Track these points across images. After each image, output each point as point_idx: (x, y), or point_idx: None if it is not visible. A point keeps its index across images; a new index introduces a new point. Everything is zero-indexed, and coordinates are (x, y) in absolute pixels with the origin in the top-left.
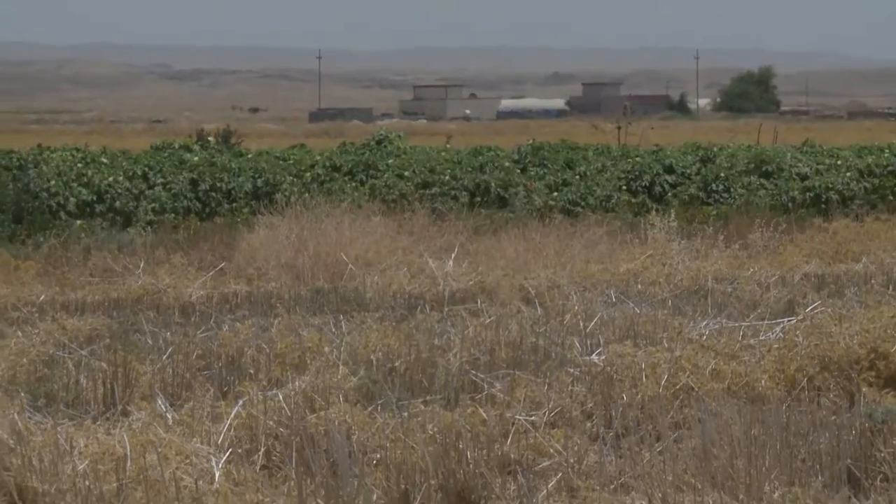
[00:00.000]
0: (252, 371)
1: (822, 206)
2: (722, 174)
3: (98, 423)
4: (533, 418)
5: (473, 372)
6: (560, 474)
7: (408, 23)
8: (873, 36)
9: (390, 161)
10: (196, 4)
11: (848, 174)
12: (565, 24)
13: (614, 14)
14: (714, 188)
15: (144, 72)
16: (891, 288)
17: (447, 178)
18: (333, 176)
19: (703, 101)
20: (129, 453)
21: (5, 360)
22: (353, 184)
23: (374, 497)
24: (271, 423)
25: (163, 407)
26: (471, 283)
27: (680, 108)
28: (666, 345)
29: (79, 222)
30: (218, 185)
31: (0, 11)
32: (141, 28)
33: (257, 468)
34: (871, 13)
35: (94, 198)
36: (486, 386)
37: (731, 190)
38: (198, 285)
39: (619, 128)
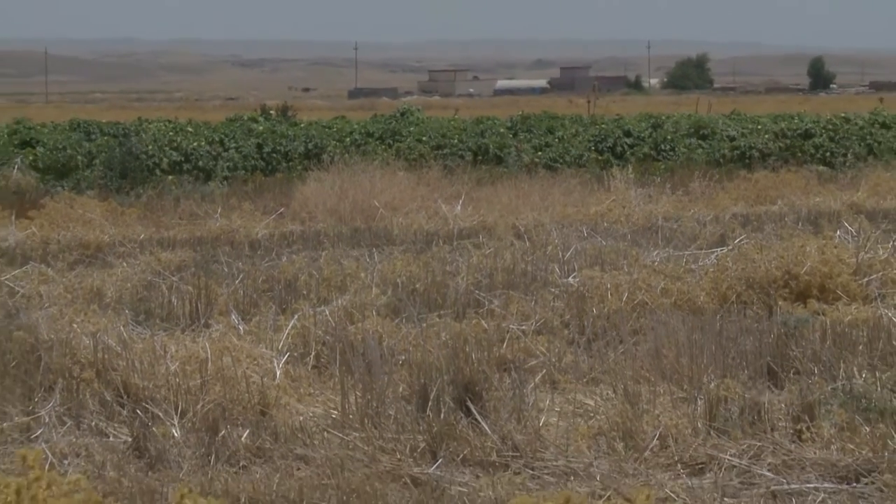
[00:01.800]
0: (305, 292)
1: (747, 161)
2: (668, 137)
3: (185, 333)
4: (523, 327)
5: (477, 292)
6: (544, 370)
7: (425, 21)
8: (785, 27)
9: (411, 129)
10: (261, 8)
11: (766, 136)
12: (547, 21)
13: (586, 13)
14: (662, 148)
15: (220, 60)
16: (800, 224)
17: (455, 141)
18: (367, 140)
19: (654, 81)
20: (209, 356)
21: (113, 285)
22: (383, 146)
23: (400, 389)
24: (320, 332)
25: (235, 320)
26: (474, 222)
27: (635, 86)
28: (626, 269)
29: (170, 178)
30: (278, 148)
31: (111, 14)
32: (217, 26)
33: (309, 368)
34: (784, 8)
35: (182, 158)
36: (486, 302)
37: (676, 149)
38: (262, 226)
39: (588, 102)
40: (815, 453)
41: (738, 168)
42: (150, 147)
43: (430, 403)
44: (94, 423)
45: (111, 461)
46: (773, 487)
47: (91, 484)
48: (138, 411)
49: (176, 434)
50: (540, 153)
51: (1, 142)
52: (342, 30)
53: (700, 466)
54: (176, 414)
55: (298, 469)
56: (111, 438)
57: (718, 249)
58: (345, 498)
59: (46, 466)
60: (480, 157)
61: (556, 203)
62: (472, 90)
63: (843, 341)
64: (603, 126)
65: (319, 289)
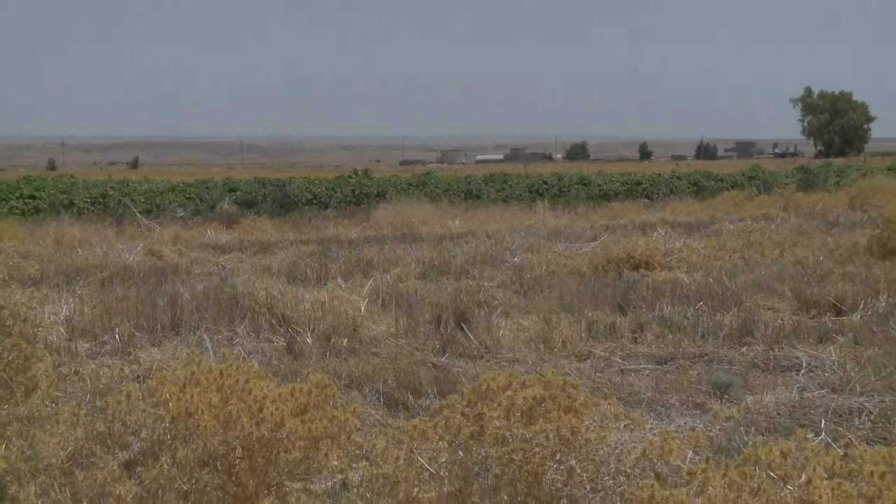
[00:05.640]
0: (377, 266)
1: (607, 197)
2: (566, 184)
3: (314, 288)
4: (491, 284)
5: (466, 265)
6: (502, 307)
7: (441, 124)
8: (629, 126)
9: (432, 181)
10: (354, 117)
11: (617, 184)
12: (503, 125)
13: (524, 120)
14: (563, 190)
15: (331, 146)
16: (635, 230)
17: (455, 188)
18: (409, 187)
19: (559, 156)
20: (326, 300)
21: (276, 263)
22: (418, 190)
23: (427, 317)
24: (384, 287)
25: (340, 281)
26: (465, 230)
27: (549, 158)
28: (544, 253)
29: (306, 207)
30: (362, 191)
31: (276, 120)
32: (329, 127)
33: (379, 306)
34: (626, 118)
35: (313, 197)
36: (471, 271)
37: (571, 191)
38: (354, 232)
39: (524, 167)
40: (643, 350)
41: (603, 201)
42: (296, 191)
43: (441, 324)
44: (266, 336)
45: (275, 356)
46: (622, 367)
47: (262, 367)
48: (289, 329)
49: (308, 341)
50: (499, 193)
51: (218, 190)
52: (396, 128)
53: (583, 357)
54: (309, 331)
55: (372, 359)
56: (275, 344)
57: (593, 243)
58: (397, 374)
59: (241, 359)
60: (468, 196)
61: (508, 220)
62: (464, 161)
63: (658, 290)
64: (532, 179)
65: (384, 265)
